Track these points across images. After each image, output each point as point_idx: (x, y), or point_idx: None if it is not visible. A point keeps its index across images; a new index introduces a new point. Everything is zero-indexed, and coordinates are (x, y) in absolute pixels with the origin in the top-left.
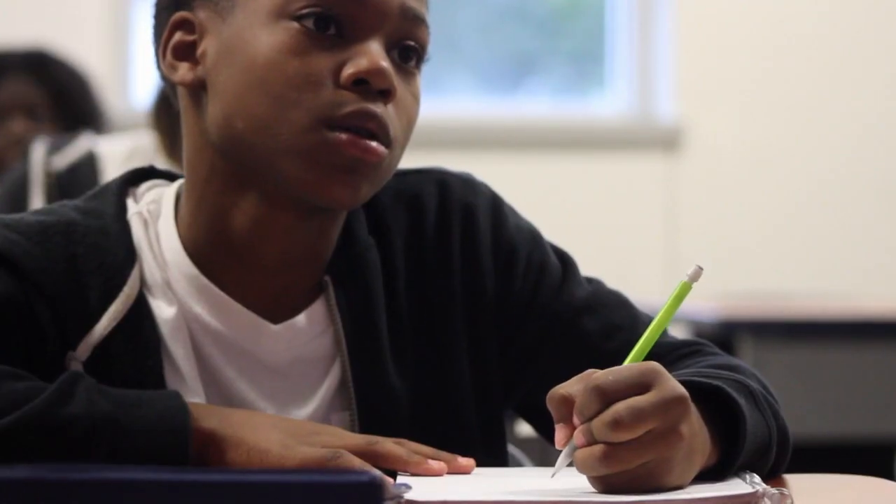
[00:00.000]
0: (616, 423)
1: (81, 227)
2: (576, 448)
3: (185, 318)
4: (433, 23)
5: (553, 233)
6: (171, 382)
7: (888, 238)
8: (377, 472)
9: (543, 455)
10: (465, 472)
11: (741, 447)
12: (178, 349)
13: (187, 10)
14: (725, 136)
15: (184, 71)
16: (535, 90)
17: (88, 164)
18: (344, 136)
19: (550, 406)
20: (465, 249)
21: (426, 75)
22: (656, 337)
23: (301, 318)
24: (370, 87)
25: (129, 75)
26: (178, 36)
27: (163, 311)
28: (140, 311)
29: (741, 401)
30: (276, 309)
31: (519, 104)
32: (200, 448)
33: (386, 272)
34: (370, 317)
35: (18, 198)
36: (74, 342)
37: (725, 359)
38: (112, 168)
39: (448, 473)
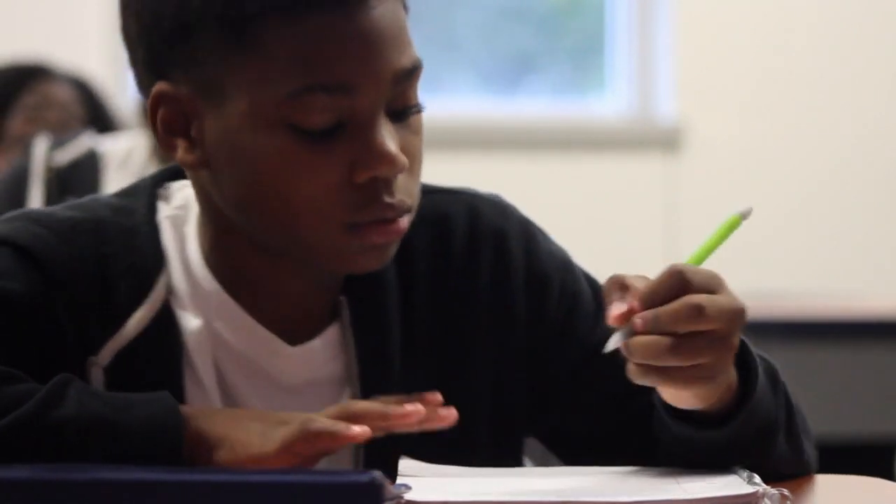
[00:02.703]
0: (699, 311)
1: (112, 226)
2: (632, 333)
3: (208, 331)
4: (433, 23)
5: (552, 232)
6: (192, 394)
7: (888, 237)
8: (377, 473)
9: (543, 454)
10: (443, 421)
11: (750, 404)
12: (200, 361)
13: (166, 80)
14: (725, 136)
15: (182, 151)
16: (535, 89)
17: (90, 162)
18: (368, 229)
19: (609, 284)
20: (495, 275)
21: (426, 74)
22: (704, 259)
23: (317, 343)
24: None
25: (128, 77)
26: (163, 111)
27: (188, 321)
28: (166, 319)
29: (760, 369)
30: (295, 330)
31: (518, 104)
32: (190, 448)
33: (404, 292)
34: (383, 340)
35: (17, 191)
36: (96, 347)
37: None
38: (112, 167)
39: (427, 417)
